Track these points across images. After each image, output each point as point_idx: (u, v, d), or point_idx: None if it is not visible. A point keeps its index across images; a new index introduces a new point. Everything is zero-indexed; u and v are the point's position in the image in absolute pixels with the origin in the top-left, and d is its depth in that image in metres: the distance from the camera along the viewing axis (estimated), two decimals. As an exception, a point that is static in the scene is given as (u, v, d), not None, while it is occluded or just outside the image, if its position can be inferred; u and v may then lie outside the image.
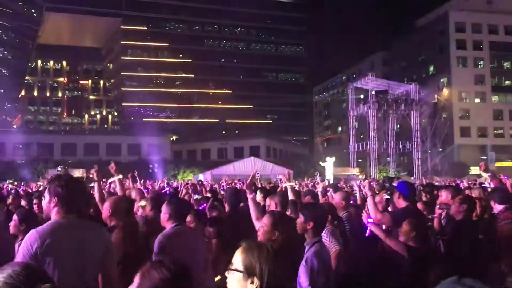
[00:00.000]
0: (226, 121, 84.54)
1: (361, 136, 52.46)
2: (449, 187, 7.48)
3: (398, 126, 48.71)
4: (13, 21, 70.71)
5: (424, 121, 51.07)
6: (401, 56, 71.79)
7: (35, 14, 76.72)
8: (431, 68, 67.29)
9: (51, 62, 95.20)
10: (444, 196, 5.96)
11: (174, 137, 73.20)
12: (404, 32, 75.02)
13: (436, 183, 14.76)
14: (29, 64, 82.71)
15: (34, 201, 5.84)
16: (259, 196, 5.79)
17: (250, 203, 4.65)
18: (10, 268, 1.60)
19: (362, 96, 53.06)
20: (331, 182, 23.01)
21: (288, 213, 4.72)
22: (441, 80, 64.04)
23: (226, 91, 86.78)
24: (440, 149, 52.52)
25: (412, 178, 35.31)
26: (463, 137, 61.72)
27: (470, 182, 16.33)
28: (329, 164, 32.31)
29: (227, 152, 61.72)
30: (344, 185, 14.54)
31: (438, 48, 64.85)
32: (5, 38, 71.78)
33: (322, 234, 3.91)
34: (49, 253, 2.60)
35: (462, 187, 11.48)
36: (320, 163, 34.44)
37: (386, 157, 47.87)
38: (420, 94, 46.47)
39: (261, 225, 3.48)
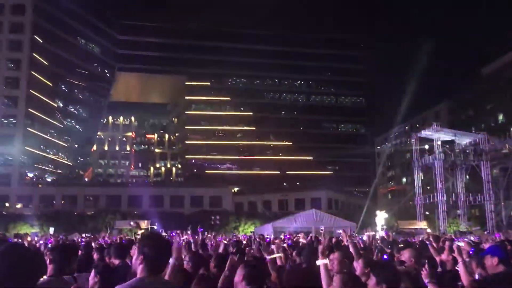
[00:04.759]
0: (287, 172, 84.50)
1: (428, 188, 50.31)
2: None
3: (467, 177, 46.39)
4: (89, 81, 76.51)
5: (495, 172, 48.39)
6: (468, 105, 69.49)
7: (108, 74, 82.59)
8: (501, 117, 64.45)
9: (121, 118, 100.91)
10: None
11: (236, 189, 73.90)
12: (469, 81, 72.97)
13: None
14: (101, 120, 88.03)
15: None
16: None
17: (322, 269, 4.31)
18: None
19: (427, 147, 51.41)
20: (379, 233, 21.92)
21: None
22: (512, 129, 60.95)
23: (287, 143, 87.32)
24: (515, 201, 49.13)
25: (485, 232, 33.12)
26: (539, 188, 57.65)
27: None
28: (380, 217, 31.31)
29: (288, 203, 61.23)
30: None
31: (508, 96, 62.29)
32: (81, 97, 77.33)
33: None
34: None
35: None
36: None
37: (456, 210, 45.44)
38: (490, 144, 44.33)
39: (332, 285, 3.43)
